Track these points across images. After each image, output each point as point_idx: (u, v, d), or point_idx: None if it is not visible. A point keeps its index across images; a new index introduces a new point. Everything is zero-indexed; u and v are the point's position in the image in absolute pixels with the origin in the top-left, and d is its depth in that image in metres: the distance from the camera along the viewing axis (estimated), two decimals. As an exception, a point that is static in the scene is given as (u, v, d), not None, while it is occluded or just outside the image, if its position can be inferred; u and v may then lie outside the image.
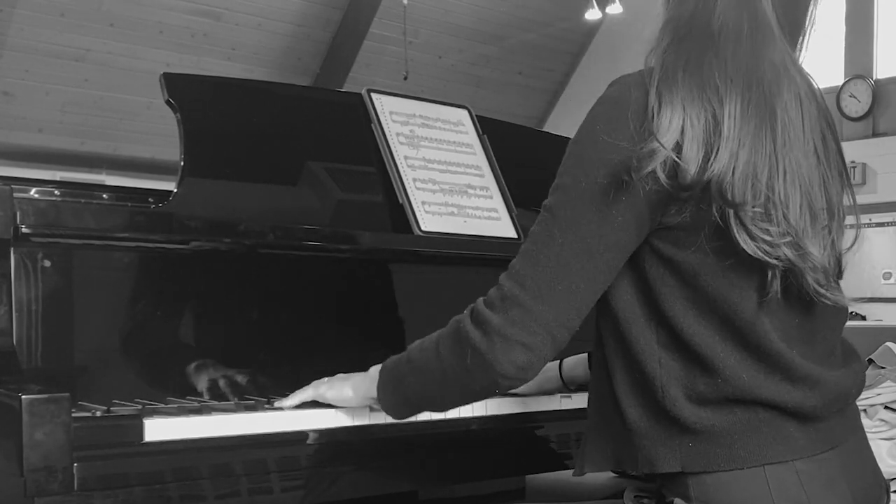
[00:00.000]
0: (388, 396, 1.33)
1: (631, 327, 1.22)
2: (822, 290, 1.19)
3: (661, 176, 1.13)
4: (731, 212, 1.14)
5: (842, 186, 1.26)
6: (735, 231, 1.14)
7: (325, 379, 1.44)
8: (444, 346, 1.25)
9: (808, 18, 1.30)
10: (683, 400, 1.19)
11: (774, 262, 1.15)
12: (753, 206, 1.14)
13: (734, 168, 1.13)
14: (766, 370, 1.19)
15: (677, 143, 1.13)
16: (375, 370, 1.36)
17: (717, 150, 1.13)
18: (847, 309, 1.31)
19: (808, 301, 1.22)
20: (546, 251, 1.19)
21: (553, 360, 1.58)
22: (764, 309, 1.19)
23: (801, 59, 1.29)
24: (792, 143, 1.18)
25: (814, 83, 1.28)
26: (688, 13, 1.23)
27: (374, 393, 1.35)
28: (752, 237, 1.14)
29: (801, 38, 1.30)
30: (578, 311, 1.19)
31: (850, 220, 1.27)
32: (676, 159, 1.13)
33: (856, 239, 1.27)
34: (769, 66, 1.20)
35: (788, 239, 1.15)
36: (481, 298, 1.23)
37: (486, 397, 1.27)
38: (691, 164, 1.13)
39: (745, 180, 1.13)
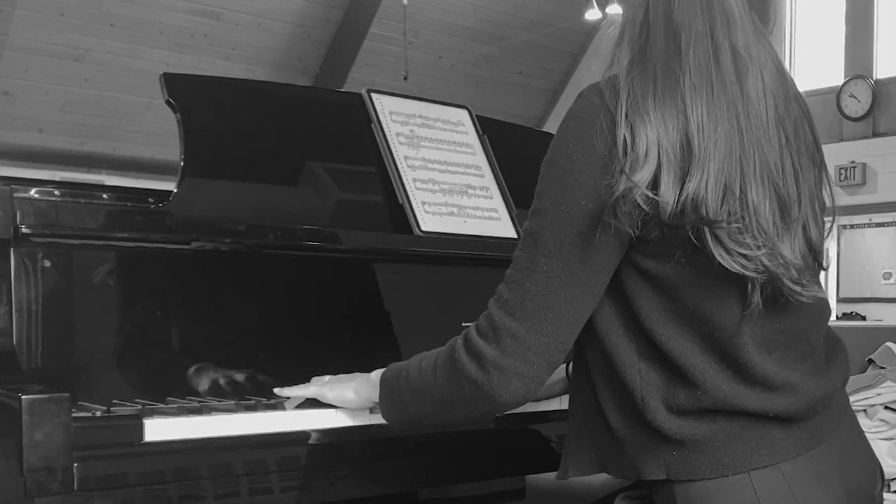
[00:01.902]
0: (389, 410, 1.33)
1: (611, 338, 1.21)
2: (798, 289, 1.17)
3: (643, 207, 1.11)
4: (708, 232, 1.11)
5: (818, 177, 1.24)
6: (711, 247, 1.12)
7: (327, 377, 1.44)
8: (441, 375, 1.24)
9: None
10: (664, 411, 1.18)
11: (753, 274, 1.13)
12: (729, 222, 1.11)
13: (706, 182, 1.10)
14: (745, 381, 1.17)
15: (656, 171, 1.11)
16: (377, 376, 1.36)
17: (689, 171, 1.11)
18: (828, 305, 1.30)
19: (787, 305, 1.19)
20: (532, 279, 1.17)
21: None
22: (745, 320, 1.17)
23: (771, 30, 1.25)
24: (757, 133, 1.15)
25: (785, 70, 1.24)
26: (642, 13, 1.19)
27: (376, 398, 1.35)
28: (729, 252, 1.12)
29: (769, 8, 1.25)
30: (571, 333, 1.19)
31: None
32: (654, 196, 1.11)
33: (829, 231, 1.26)
34: (732, 55, 1.16)
35: (765, 250, 1.13)
36: (473, 326, 1.22)
37: (487, 419, 1.27)
38: (669, 196, 1.11)
39: (717, 192, 1.11)
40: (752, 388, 1.17)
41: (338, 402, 1.40)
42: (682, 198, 1.10)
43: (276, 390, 1.42)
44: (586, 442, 1.27)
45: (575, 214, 1.15)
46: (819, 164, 1.25)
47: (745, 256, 1.12)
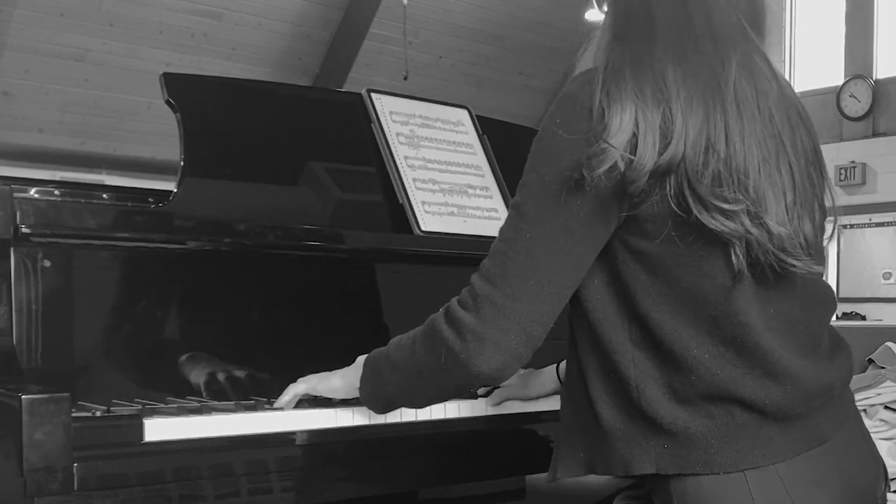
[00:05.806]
0: (368, 391, 1.34)
1: (604, 326, 1.21)
2: (782, 256, 1.16)
3: (622, 170, 1.12)
4: (687, 186, 1.12)
5: (817, 177, 1.24)
6: (692, 204, 1.12)
7: (314, 374, 1.45)
8: (420, 346, 1.25)
9: None
10: (659, 398, 1.17)
11: (733, 232, 1.12)
12: (709, 174, 1.12)
13: (686, 139, 1.12)
14: (744, 364, 1.16)
15: (633, 136, 1.12)
16: (362, 360, 1.37)
17: (672, 132, 1.12)
18: (832, 298, 1.29)
19: (780, 285, 1.19)
20: (515, 247, 1.18)
21: (550, 365, 1.59)
22: (739, 295, 1.16)
23: (766, 47, 1.26)
24: (742, 108, 1.16)
25: (779, 72, 1.25)
26: (623, 6, 1.24)
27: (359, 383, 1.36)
28: (707, 207, 1.12)
29: (763, 22, 1.27)
30: (552, 307, 1.19)
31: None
32: (631, 157, 1.12)
33: (833, 234, 1.29)
34: (711, 38, 1.19)
35: (744, 206, 1.13)
36: (455, 298, 1.23)
37: (461, 395, 1.27)
38: (647, 157, 1.12)
39: (697, 147, 1.12)
40: (750, 372, 1.16)
41: (327, 393, 1.41)
42: (662, 158, 1.12)
43: (275, 404, 1.42)
44: (576, 440, 1.27)
45: (558, 185, 1.17)
46: (816, 164, 1.25)
47: (723, 213, 1.12)
